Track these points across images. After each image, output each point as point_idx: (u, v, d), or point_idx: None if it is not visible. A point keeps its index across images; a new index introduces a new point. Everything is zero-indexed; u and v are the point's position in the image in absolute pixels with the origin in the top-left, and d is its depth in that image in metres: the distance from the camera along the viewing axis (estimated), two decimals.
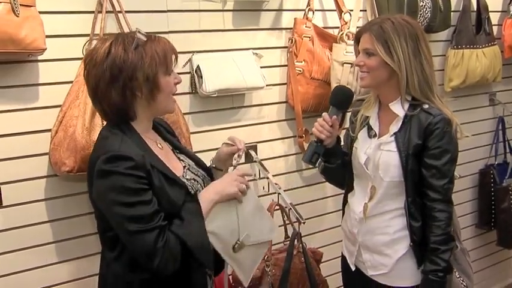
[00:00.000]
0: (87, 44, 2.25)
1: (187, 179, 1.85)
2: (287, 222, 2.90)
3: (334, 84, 2.90)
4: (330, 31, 3.09)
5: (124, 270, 1.74)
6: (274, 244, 2.83)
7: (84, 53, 1.89)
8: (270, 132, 3.02)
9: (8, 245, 2.32)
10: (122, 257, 1.74)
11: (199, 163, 2.01)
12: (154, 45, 1.73)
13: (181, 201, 1.74)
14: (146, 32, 1.71)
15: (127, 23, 2.40)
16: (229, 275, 2.32)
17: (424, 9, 3.21)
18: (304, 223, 2.54)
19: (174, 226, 1.68)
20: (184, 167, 1.90)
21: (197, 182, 1.90)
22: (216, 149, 2.71)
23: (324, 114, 2.22)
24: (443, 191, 2.12)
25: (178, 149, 2.00)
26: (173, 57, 1.79)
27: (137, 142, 1.73)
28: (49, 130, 2.27)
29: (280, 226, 2.90)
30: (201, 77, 2.62)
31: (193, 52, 2.67)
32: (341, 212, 2.55)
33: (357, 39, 2.23)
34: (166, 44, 1.78)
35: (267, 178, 2.73)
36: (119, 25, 2.42)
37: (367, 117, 2.28)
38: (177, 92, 2.54)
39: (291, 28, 2.99)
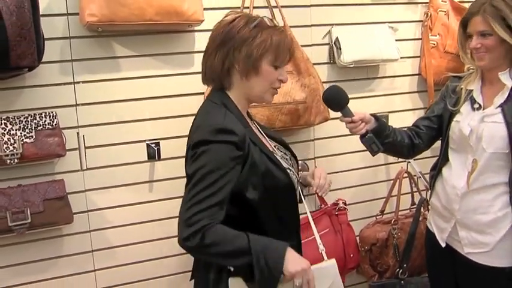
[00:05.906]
0: None
1: (278, 156, 1.85)
2: (415, 190, 3.02)
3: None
4: (466, 5, 3.07)
5: None
6: (401, 210, 2.96)
7: None
8: (402, 103, 3.12)
9: (165, 193, 2.63)
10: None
11: (286, 146, 2.01)
12: (274, 34, 1.74)
13: (282, 183, 1.78)
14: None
15: None
16: None
17: None
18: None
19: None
20: (274, 146, 1.92)
21: (287, 159, 1.91)
22: None
23: (341, 120, 2.18)
24: None
25: (264, 131, 1.98)
26: (287, 55, 1.80)
27: (239, 118, 1.75)
28: (202, 93, 2.54)
29: (407, 193, 3.04)
30: (340, 49, 2.78)
31: (332, 25, 2.83)
32: None
33: (464, 24, 2.19)
34: (285, 39, 1.78)
35: None
36: None
37: (471, 90, 2.25)
38: (317, 62, 2.76)
39: (426, 2, 3.06)
